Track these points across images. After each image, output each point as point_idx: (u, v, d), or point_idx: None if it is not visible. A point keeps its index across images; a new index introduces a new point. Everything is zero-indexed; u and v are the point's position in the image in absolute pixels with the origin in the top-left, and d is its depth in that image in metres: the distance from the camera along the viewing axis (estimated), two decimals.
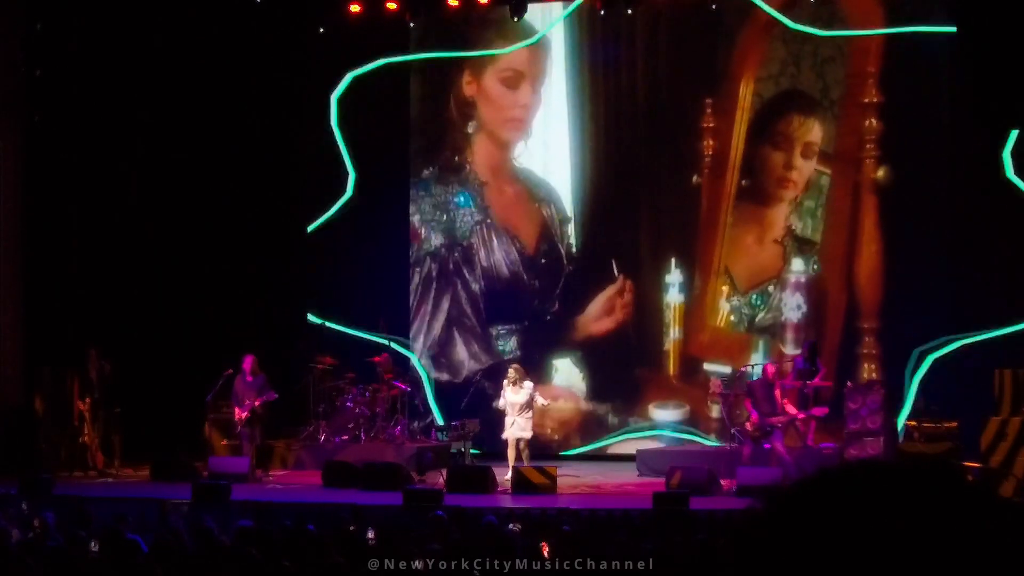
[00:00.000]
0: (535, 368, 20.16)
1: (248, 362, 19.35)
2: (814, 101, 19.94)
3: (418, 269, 21.88)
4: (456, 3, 22.16)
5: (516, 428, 18.40)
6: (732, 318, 20.23)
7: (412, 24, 22.32)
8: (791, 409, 18.52)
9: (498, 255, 21.51)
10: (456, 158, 21.75)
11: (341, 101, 22.69)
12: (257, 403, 19.20)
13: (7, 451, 19.47)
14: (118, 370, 20.33)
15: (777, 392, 18.29)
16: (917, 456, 17.02)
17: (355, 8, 21.89)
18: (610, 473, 19.55)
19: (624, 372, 20.63)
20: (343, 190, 22.72)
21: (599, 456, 21.17)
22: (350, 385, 20.79)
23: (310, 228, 22.79)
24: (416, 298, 21.94)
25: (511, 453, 18.43)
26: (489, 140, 21.62)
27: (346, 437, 20.52)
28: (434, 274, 21.78)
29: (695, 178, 20.37)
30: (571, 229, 21.17)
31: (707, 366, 20.19)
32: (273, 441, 20.63)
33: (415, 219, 21.80)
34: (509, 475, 17.88)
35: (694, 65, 20.46)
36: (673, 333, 20.41)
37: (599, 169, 21.02)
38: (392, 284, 22.64)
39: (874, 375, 19.41)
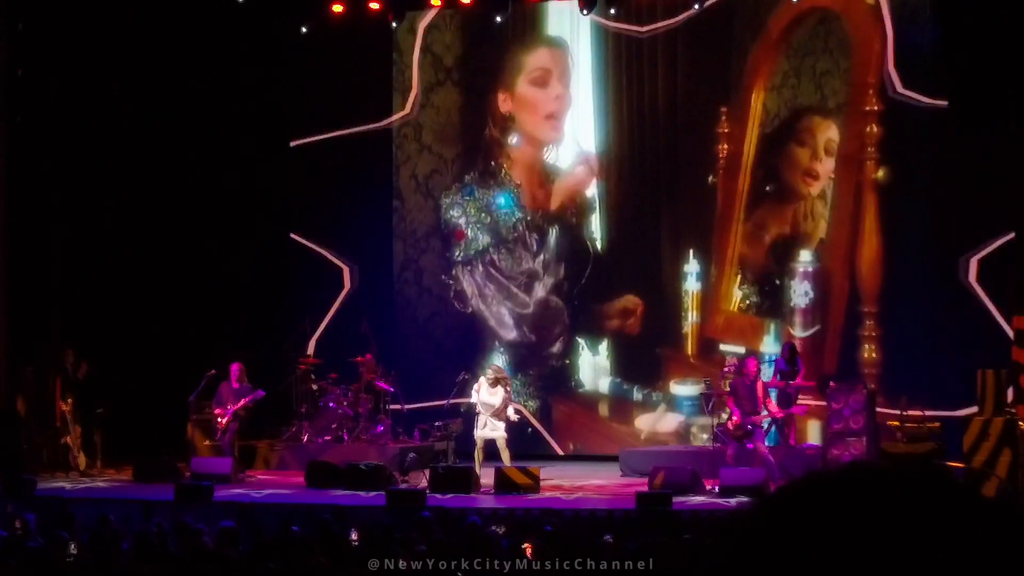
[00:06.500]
0: (559, 344, 22.29)
1: (235, 369, 19.39)
2: (813, 109, 21.44)
3: (468, 268, 22.90)
4: (439, 3, 22.23)
5: (488, 429, 18.32)
6: (744, 304, 21.70)
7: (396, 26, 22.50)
8: (773, 408, 18.58)
9: (535, 249, 22.72)
10: (492, 163, 22.85)
11: (318, 97, 22.76)
12: (243, 402, 19.21)
13: None
14: (101, 371, 20.27)
15: (759, 392, 18.33)
16: (904, 457, 17.07)
17: (338, 8, 21.90)
18: (593, 473, 19.61)
19: (647, 352, 22.02)
20: (330, 190, 22.74)
21: (582, 457, 21.57)
22: (333, 385, 20.78)
23: (292, 233, 22.89)
24: (473, 291, 22.92)
25: (479, 455, 18.38)
26: (528, 143, 22.91)
27: (329, 437, 20.50)
28: (481, 271, 22.88)
29: (711, 178, 21.77)
30: (595, 224, 22.55)
31: (722, 347, 21.56)
32: (256, 441, 20.62)
33: (461, 221, 22.95)
34: (477, 472, 17.91)
35: (710, 76, 21.95)
36: (691, 317, 21.90)
37: (623, 170, 22.44)
38: (378, 282, 22.80)
39: (874, 354, 20.65)
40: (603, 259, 22.43)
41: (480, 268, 22.77)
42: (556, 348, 22.33)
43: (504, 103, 22.74)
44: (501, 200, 22.76)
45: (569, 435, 22.28)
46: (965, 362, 18.00)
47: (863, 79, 20.94)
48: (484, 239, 22.79)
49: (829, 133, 21.28)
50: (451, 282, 22.91)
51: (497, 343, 22.71)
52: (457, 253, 22.92)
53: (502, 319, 22.68)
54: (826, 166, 21.24)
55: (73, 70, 21.26)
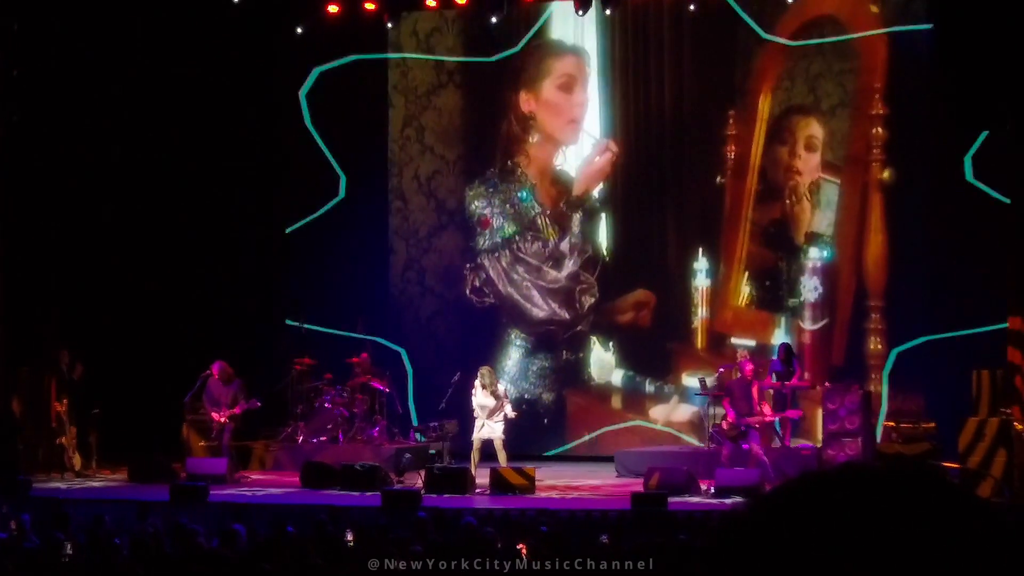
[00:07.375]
0: (573, 339, 22.57)
1: (217, 368, 19.31)
2: (804, 109, 21.91)
3: (494, 255, 23.20)
4: (434, 3, 22.25)
5: (486, 430, 18.35)
6: (752, 299, 22.16)
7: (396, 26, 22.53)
8: (767, 410, 18.55)
9: (552, 243, 23.02)
10: (509, 162, 23.12)
11: (315, 100, 22.90)
12: (238, 411, 19.19)
13: None
14: (96, 371, 20.25)
15: (755, 393, 18.32)
16: (898, 457, 17.06)
17: (333, 8, 21.92)
18: (589, 474, 19.64)
19: (657, 346, 22.42)
20: (322, 191, 22.78)
21: (578, 456, 21.73)
22: (328, 386, 20.77)
23: (289, 229, 22.88)
24: (500, 277, 23.20)
25: (475, 456, 18.39)
26: (547, 142, 23.19)
27: (324, 438, 20.50)
28: (508, 257, 23.16)
29: (719, 179, 22.17)
30: (604, 225, 22.90)
31: (733, 340, 22.01)
32: (251, 442, 20.61)
33: (486, 211, 23.25)
34: (473, 473, 17.91)
35: (716, 80, 22.31)
36: (701, 312, 22.32)
37: (632, 172, 22.78)
38: (372, 283, 22.80)
39: (880, 346, 21.14)
40: (613, 259, 22.69)
41: (507, 254, 23.07)
42: (582, 327, 22.54)
43: (526, 103, 22.97)
44: (522, 194, 23.08)
45: (585, 427, 22.53)
46: (965, 361, 18.09)
47: (869, 84, 21.38)
48: (510, 227, 23.09)
49: (810, 130, 21.70)
50: (469, 275, 23.05)
51: (514, 336, 22.88)
52: (483, 242, 23.20)
53: (532, 298, 22.91)
54: (808, 162, 21.65)
55: (69, 70, 21.23)
